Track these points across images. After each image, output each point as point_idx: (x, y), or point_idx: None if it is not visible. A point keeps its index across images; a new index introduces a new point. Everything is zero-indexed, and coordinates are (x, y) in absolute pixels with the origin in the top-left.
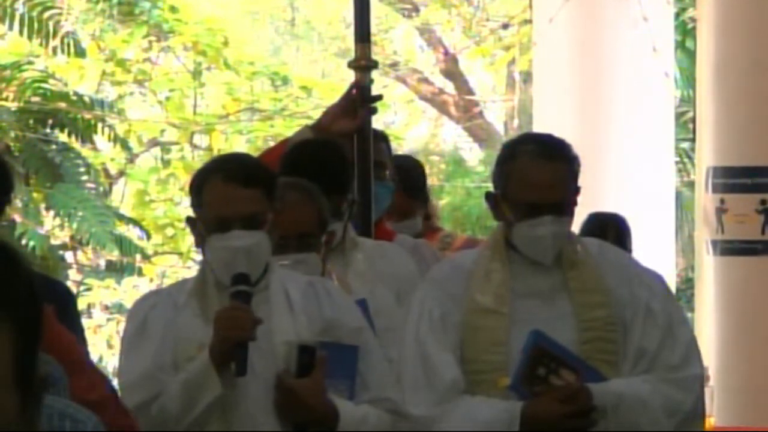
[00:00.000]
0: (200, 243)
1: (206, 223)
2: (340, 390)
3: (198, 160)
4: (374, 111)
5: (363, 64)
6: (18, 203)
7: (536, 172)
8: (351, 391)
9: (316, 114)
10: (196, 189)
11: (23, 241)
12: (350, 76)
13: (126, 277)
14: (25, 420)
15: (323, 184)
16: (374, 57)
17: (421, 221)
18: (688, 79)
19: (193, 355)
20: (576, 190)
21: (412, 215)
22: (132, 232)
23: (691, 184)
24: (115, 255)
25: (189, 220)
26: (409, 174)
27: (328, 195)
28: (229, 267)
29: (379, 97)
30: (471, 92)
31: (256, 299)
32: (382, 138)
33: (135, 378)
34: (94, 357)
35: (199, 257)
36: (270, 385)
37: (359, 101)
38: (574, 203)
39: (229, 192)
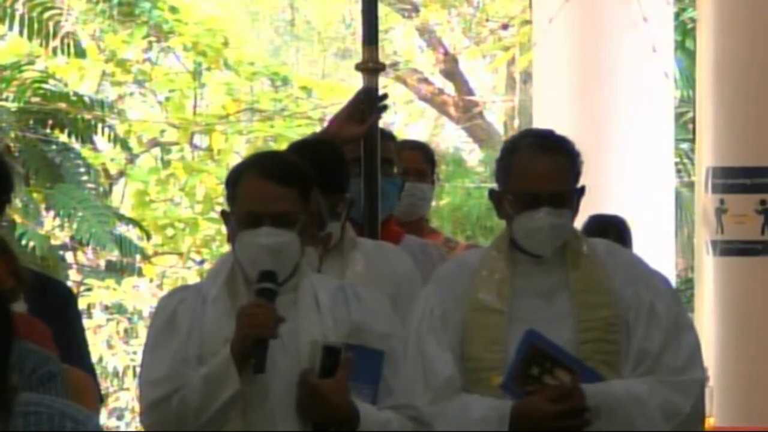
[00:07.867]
0: (232, 238)
1: (238, 218)
2: (363, 394)
3: (198, 161)
4: (383, 109)
5: (371, 66)
6: (18, 203)
7: (535, 163)
8: (374, 396)
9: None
10: (232, 183)
11: (23, 242)
12: (351, 77)
13: (126, 278)
14: None
15: (320, 183)
16: None
17: (432, 191)
18: (688, 79)
19: (219, 349)
20: (581, 191)
21: (426, 178)
22: (132, 232)
23: (691, 185)
24: (115, 255)
25: (223, 213)
26: (421, 144)
27: (325, 195)
28: (255, 264)
29: (385, 96)
30: (471, 92)
31: (284, 299)
32: (389, 137)
33: (159, 375)
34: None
35: (198, 258)
36: (293, 385)
37: (367, 105)
38: (577, 201)
39: (263, 188)
